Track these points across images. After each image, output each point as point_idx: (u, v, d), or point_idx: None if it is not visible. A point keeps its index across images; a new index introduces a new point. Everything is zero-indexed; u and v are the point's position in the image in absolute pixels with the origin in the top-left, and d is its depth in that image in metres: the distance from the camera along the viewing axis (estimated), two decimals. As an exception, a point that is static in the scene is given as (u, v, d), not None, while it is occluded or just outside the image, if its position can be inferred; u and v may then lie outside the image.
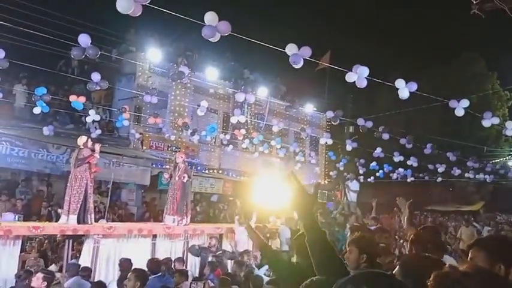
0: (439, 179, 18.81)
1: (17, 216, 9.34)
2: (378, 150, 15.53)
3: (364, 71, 7.62)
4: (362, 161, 17.84)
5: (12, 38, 10.24)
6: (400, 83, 8.09)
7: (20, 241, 7.46)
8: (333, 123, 13.37)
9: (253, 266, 7.97)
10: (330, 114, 12.13)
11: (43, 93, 9.97)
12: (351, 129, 18.93)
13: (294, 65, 6.85)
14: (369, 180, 18.98)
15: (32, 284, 5.34)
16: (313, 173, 21.01)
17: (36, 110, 10.33)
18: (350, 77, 7.67)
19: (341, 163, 18.13)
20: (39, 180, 13.63)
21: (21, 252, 7.53)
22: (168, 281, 6.40)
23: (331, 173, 20.53)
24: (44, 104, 10.19)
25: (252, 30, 7.40)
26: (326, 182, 21.79)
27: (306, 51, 6.77)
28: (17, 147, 12.27)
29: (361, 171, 18.26)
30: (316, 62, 8.59)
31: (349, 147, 14.59)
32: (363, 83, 7.77)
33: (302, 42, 7.07)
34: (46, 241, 9.54)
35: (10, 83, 12.36)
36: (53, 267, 7.82)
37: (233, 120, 12.98)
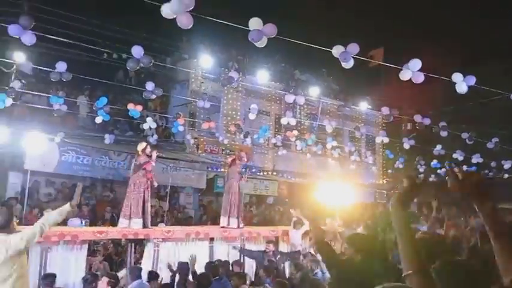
0: (506, 176, 17.74)
1: (83, 221, 9.84)
2: (438, 147, 14.91)
3: (417, 64, 7.36)
4: (422, 159, 17.20)
5: (73, 52, 10.84)
6: (457, 77, 7.73)
7: (87, 245, 7.83)
8: (389, 121, 13.00)
9: (311, 268, 7.89)
10: (385, 111, 11.82)
11: (103, 104, 10.46)
12: (409, 126, 18.32)
13: (344, 64, 6.74)
14: (430, 179, 18.24)
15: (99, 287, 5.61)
16: (370, 173, 20.54)
17: (98, 120, 10.85)
18: (404, 75, 7.43)
19: (399, 161, 17.59)
20: (103, 186, 14.29)
21: (87, 256, 7.92)
22: (226, 284, 6.48)
23: (389, 172, 19.98)
24: (105, 114, 10.69)
25: (299, 30, 7.38)
26: (384, 181, 21.23)
27: (354, 48, 6.64)
28: (82, 155, 12.98)
29: (421, 170, 17.61)
30: (370, 59, 8.42)
31: (406, 145, 14.11)
32: (418, 78, 7.50)
33: (352, 39, 6.96)
34: (111, 245, 9.98)
35: (74, 95, 13.09)
36: (123, 272, 8.11)
37: (284, 121, 12.98)
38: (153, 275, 6.86)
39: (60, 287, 6.09)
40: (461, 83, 7.52)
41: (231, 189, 9.84)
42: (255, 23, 5.93)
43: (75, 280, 7.05)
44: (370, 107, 16.45)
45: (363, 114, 19.44)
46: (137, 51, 7.09)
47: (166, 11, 5.20)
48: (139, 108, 11.04)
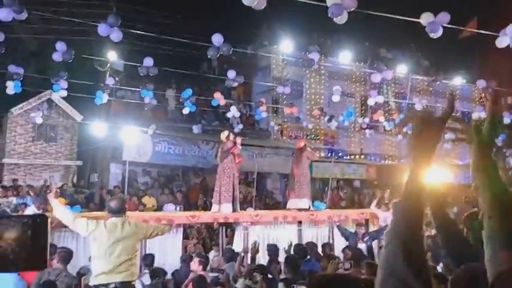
0: None
1: (178, 207, 10.41)
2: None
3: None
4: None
5: (159, 47, 11.39)
6: None
7: (182, 229, 8.27)
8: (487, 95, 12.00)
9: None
10: (481, 83, 10.93)
11: (189, 95, 10.90)
12: (509, 100, 16.78)
13: (431, 35, 6.31)
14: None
15: (191, 268, 5.92)
16: (467, 152, 19.18)
17: (185, 111, 11.33)
18: (501, 42, 6.79)
19: (500, 138, 16.20)
20: (194, 174, 14.97)
21: (183, 239, 8.38)
22: (314, 265, 6.46)
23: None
24: (191, 105, 11.14)
25: (382, 3, 7.04)
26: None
27: (444, 17, 6.17)
28: (173, 145, 13.70)
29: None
30: (461, 29, 7.82)
31: (507, 120, 12.94)
32: (518, 44, 6.82)
33: (442, 9, 6.49)
34: (204, 229, 10.45)
35: (162, 89, 13.80)
36: (212, 253, 8.49)
37: (370, 102, 12.52)
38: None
39: (159, 266, 6.48)
40: None
41: (302, 170, 9.58)
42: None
43: (173, 260, 7.46)
44: (465, 80, 15.32)
45: (457, 89, 18.14)
46: (217, 39, 7.25)
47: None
48: (220, 97, 11.33)
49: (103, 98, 9.87)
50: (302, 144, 9.95)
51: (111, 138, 11.72)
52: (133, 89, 11.44)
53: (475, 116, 14.63)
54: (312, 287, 1.71)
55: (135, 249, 4.68)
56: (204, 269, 5.90)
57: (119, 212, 4.67)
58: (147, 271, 6.08)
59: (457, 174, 17.59)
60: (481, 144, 1.47)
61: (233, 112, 12.22)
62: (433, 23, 6.33)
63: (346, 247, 7.85)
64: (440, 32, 6.38)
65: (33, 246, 1.28)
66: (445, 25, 6.41)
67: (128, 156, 12.04)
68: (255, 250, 6.67)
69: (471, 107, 17.69)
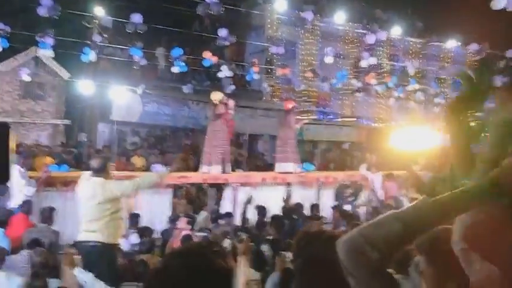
0: None
1: (167, 167, 10.38)
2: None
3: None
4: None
5: (149, 3, 11.02)
6: None
7: (171, 190, 8.34)
8: (479, 58, 11.91)
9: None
10: (474, 47, 10.81)
11: (179, 54, 10.66)
12: (503, 62, 16.67)
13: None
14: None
15: (177, 226, 5.99)
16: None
17: (174, 70, 11.12)
18: (497, 3, 6.65)
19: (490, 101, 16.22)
20: (184, 135, 14.90)
21: (172, 199, 8.42)
22: (299, 225, 6.56)
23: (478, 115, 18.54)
24: (182, 64, 10.92)
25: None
26: (473, 125, 19.79)
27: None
28: (163, 105, 13.55)
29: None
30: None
31: (499, 84, 12.89)
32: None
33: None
34: (193, 189, 10.49)
35: (152, 47, 13.47)
36: (203, 213, 8.55)
37: (364, 64, 12.38)
38: (230, 216, 7.15)
39: (147, 225, 6.53)
40: None
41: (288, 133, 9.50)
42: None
43: (161, 220, 7.53)
44: (458, 43, 15.14)
45: (450, 52, 17.96)
46: (207, -3, 7.02)
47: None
48: (211, 56, 11.09)
49: (90, 55, 9.64)
50: (290, 106, 9.79)
51: (99, 97, 11.54)
52: (122, 47, 11.16)
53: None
54: (297, 242, 1.74)
55: (115, 208, 4.66)
56: (192, 228, 5.98)
57: (99, 171, 4.67)
58: (133, 230, 6.13)
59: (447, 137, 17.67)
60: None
61: (225, 72, 12.02)
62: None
63: (334, 207, 7.97)
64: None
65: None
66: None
67: (116, 115, 11.93)
68: (248, 202, 6.67)
69: (464, 70, 17.58)
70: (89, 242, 4.44)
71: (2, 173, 1.24)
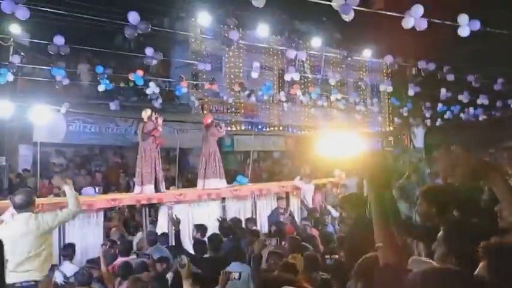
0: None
1: (97, 189, 10.07)
2: (443, 91, 14.76)
3: (419, 10, 7.19)
4: (428, 103, 17.08)
5: (69, 20, 10.63)
6: (463, 19, 7.54)
7: (102, 213, 8.07)
8: (394, 69, 12.84)
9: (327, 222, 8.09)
10: (389, 59, 11.65)
11: (103, 71, 10.41)
12: (414, 71, 18.07)
13: (345, 17, 6.60)
14: (436, 123, 18.21)
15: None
16: (376, 121, 20.50)
17: (101, 88, 10.84)
18: (407, 23, 7.28)
19: (405, 108, 17.50)
20: (113, 153, 14.47)
21: (104, 221, 8.16)
22: (238, 242, 6.65)
23: (395, 119, 19.92)
24: (107, 82, 10.66)
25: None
26: (391, 128, 21.21)
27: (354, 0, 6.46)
28: (89, 124, 13.07)
29: (427, 115, 17.54)
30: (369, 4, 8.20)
31: (411, 92, 14.00)
32: (422, 25, 7.36)
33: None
34: (126, 210, 10.23)
35: (74, 64, 12.98)
36: (139, 235, 8.37)
37: (287, 78, 12.86)
38: (166, 236, 7.12)
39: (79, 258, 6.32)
40: (465, 27, 7.35)
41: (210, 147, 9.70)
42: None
43: (95, 246, 7.29)
44: (372, 56, 16.18)
45: (367, 62, 19.14)
46: (134, 17, 6.96)
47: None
48: (141, 73, 10.96)
49: (7, 76, 9.12)
50: (209, 120, 9.88)
51: (18, 118, 10.89)
52: (42, 67, 10.66)
53: (382, 88, 15.58)
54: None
55: (50, 241, 4.51)
56: (127, 254, 5.89)
57: (24, 207, 4.38)
58: (67, 261, 5.90)
59: (370, 141, 18.81)
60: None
61: (152, 88, 11.91)
62: (346, 5, 6.60)
63: (271, 221, 8.17)
64: (352, 15, 6.67)
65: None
66: (355, 7, 6.70)
67: (38, 137, 11.30)
68: (176, 223, 6.42)
69: (379, 79, 18.81)
70: (23, 282, 4.15)
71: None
